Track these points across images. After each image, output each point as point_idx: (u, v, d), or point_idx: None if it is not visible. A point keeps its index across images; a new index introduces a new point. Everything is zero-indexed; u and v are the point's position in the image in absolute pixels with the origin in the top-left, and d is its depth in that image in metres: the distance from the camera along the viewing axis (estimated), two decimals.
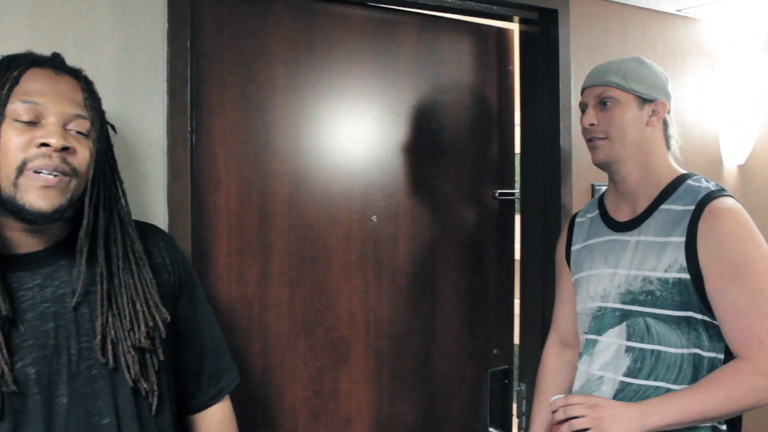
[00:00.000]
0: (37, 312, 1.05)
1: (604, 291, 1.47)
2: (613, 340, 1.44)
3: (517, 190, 2.22)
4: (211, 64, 1.68)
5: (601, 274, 1.49)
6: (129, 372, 1.09)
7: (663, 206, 1.42)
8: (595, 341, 1.48)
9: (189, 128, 1.57)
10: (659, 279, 1.37)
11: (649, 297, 1.38)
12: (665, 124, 1.49)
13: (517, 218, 2.24)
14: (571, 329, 1.65)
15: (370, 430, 1.94)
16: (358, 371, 1.92)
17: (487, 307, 2.16)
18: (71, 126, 1.04)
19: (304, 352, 1.83)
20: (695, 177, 1.45)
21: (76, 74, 1.10)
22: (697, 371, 1.34)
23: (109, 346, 1.08)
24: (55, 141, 0.99)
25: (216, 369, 1.31)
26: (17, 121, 0.99)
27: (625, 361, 1.41)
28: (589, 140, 1.50)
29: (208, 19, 1.67)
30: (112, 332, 1.08)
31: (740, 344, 1.29)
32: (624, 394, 1.40)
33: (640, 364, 1.39)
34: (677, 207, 1.39)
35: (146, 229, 1.25)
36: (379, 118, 1.94)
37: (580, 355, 1.54)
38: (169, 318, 1.15)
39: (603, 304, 1.47)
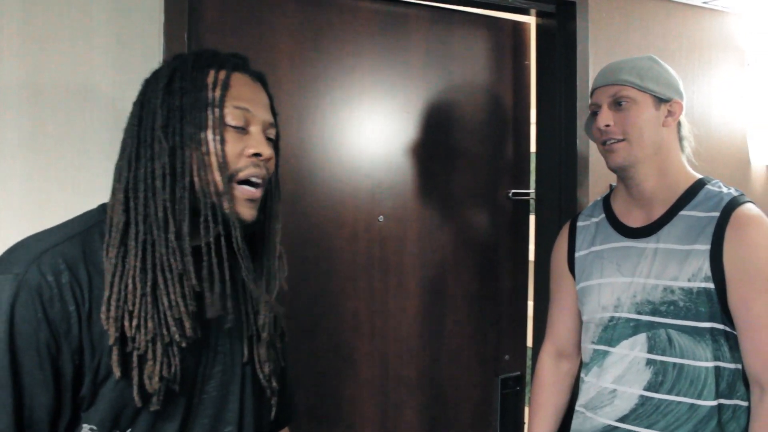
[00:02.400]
0: None
1: (618, 300, 1.41)
2: (626, 352, 1.39)
3: (532, 190, 2.16)
4: None
5: (614, 283, 1.43)
6: (263, 370, 1.09)
7: (683, 212, 1.37)
8: (606, 353, 1.42)
9: None
10: (682, 289, 1.32)
11: (672, 308, 1.33)
12: (679, 125, 1.44)
13: (532, 219, 2.18)
14: (570, 339, 1.59)
15: None
16: (362, 376, 1.87)
17: (500, 311, 2.10)
18: (267, 134, 1.04)
19: (308, 356, 1.79)
20: (713, 181, 1.41)
21: (263, 80, 1.10)
22: (719, 384, 1.31)
23: (246, 342, 1.08)
24: (266, 151, 1.01)
25: (291, 389, 1.30)
26: (229, 126, 0.99)
27: (646, 375, 1.36)
28: (603, 143, 1.43)
29: (207, 10, 1.63)
30: (253, 328, 1.08)
31: (757, 361, 1.26)
32: (644, 409, 1.35)
33: (662, 377, 1.34)
34: (699, 213, 1.34)
35: None
36: (387, 115, 1.88)
37: (586, 367, 1.49)
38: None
39: (615, 314, 1.41)
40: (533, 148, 2.17)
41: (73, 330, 0.90)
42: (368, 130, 1.86)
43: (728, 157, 2.39)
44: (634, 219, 1.45)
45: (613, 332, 1.41)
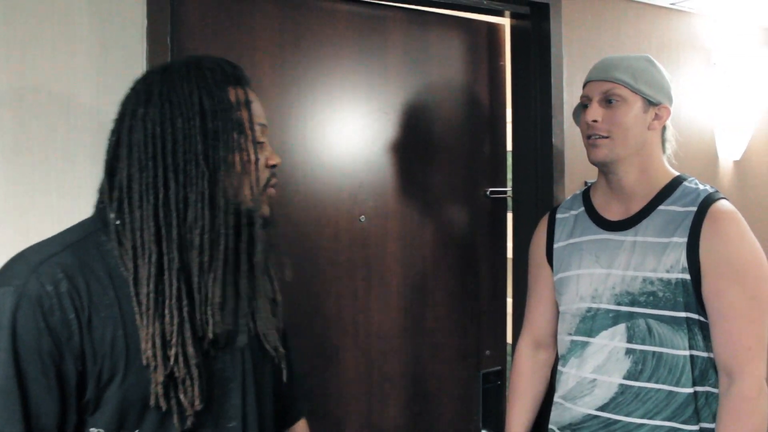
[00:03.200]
0: None
1: (596, 291, 1.45)
2: (606, 342, 1.42)
3: (509, 188, 2.19)
4: None
5: (592, 274, 1.46)
6: (267, 341, 1.12)
7: (661, 207, 1.41)
8: (586, 343, 1.45)
9: None
10: (660, 279, 1.36)
11: (651, 298, 1.37)
12: (664, 128, 1.48)
13: (509, 216, 2.21)
14: (547, 329, 1.62)
15: None
16: (347, 373, 1.89)
17: (479, 307, 2.13)
18: (261, 138, 1.09)
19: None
20: (690, 179, 1.45)
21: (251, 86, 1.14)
22: (694, 372, 1.35)
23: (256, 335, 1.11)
24: (279, 161, 1.10)
25: (301, 384, 1.33)
26: (256, 143, 1.04)
27: (625, 364, 1.39)
28: (588, 137, 1.46)
29: (190, 14, 1.63)
30: (258, 322, 1.11)
31: (726, 349, 1.31)
32: (623, 397, 1.39)
33: (642, 366, 1.38)
34: (677, 208, 1.39)
35: None
36: (367, 116, 1.90)
37: (564, 358, 1.52)
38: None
39: (593, 305, 1.45)
40: (509, 146, 2.19)
41: (74, 337, 0.92)
42: (349, 130, 1.87)
43: (697, 153, 2.44)
44: (613, 212, 1.48)
45: (593, 323, 1.44)
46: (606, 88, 1.42)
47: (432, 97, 2.01)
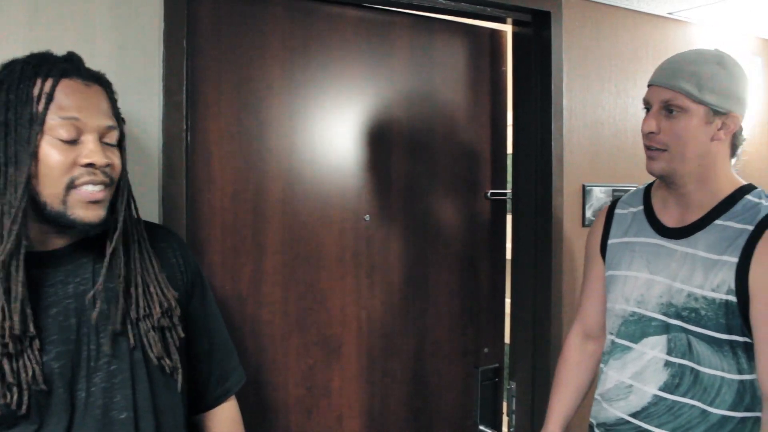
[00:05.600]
0: (60, 307, 1.06)
1: (641, 297, 1.41)
2: (647, 351, 1.39)
3: (509, 190, 2.23)
4: (207, 63, 1.69)
5: (639, 278, 1.42)
6: (152, 350, 1.11)
7: (718, 221, 1.33)
8: (627, 348, 1.44)
9: (184, 127, 1.58)
10: (705, 297, 1.30)
11: (693, 314, 1.32)
12: (734, 134, 1.37)
13: (509, 218, 2.25)
14: (597, 322, 1.60)
15: (362, 427, 1.96)
16: (350, 369, 1.93)
17: (479, 306, 2.18)
18: (106, 139, 1.06)
19: (297, 349, 1.84)
20: (755, 191, 1.35)
21: (101, 81, 1.10)
22: (734, 395, 1.30)
23: (130, 329, 1.10)
24: (99, 160, 1.02)
25: (224, 369, 1.33)
26: (58, 139, 0.99)
27: (663, 375, 1.36)
28: (646, 147, 1.38)
29: (204, 18, 1.68)
30: (133, 314, 1.10)
31: None
32: (656, 408, 1.37)
33: (679, 380, 1.34)
34: (734, 224, 1.31)
35: (159, 230, 1.28)
36: (372, 118, 1.95)
37: (604, 357, 1.51)
38: (177, 295, 1.18)
39: (638, 310, 1.42)
40: (510, 149, 2.24)
41: None
42: (354, 132, 1.92)
43: None
44: (670, 217, 1.42)
45: (636, 328, 1.41)
46: (667, 96, 1.32)
47: (436, 101, 2.06)
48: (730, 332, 1.28)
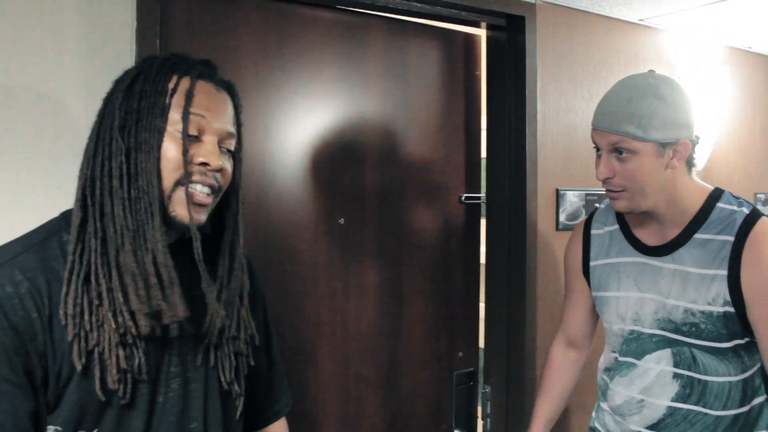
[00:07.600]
0: None
1: (637, 315, 1.44)
2: (652, 366, 1.42)
3: (483, 195, 2.24)
4: None
5: (630, 297, 1.45)
6: (224, 374, 1.10)
7: (697, 235, 1.35)
8: (632, 364, 1.46)
9: None
10: (702, 312, 1.33)
11: (693, 329, 1.35)
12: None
13: (483, 222, 2.25)
14: (579, 331, 1.66)
15: None
16: (324, 373, 1.91)
17: (453, 310, 2.17)
18: (224, 144, 1.05)
19: None
20: (724, 197, 1.37)
21: (231, 90, 1.10)
22: (743, 393, 1.37)
23: (212, 349, 1.09)
24: (214, 162, 1.01)
25: (277, 390, 1.33)
26: (182, 133, 1.00)
27: (673, 387, 1.39)
28: (606, 189, 1.39)
29: (177, 17, 1.65)
30: (215, 333, 1.08)
31: None
32: (672, 418, 1.40)
33: (690, 390, 1.38)
34: (714, 237, 1.33)
35: None
36: (346, 121, 1.94)
37: (609, 373, 1.53)
38: (255, 324, 1.17)
39: (636, 328, 1.44)
40: (484, 153, 2.24)
41: (37, 336, 0.93)
42: (328, 135, 1.90)
43: None
44: (649, 235, 1.43)
45: (637, 345, 1.44)
46: (614, 140, 1.31)
47: (410, 104, 2.05)
48: (731, 339, 1.32)
